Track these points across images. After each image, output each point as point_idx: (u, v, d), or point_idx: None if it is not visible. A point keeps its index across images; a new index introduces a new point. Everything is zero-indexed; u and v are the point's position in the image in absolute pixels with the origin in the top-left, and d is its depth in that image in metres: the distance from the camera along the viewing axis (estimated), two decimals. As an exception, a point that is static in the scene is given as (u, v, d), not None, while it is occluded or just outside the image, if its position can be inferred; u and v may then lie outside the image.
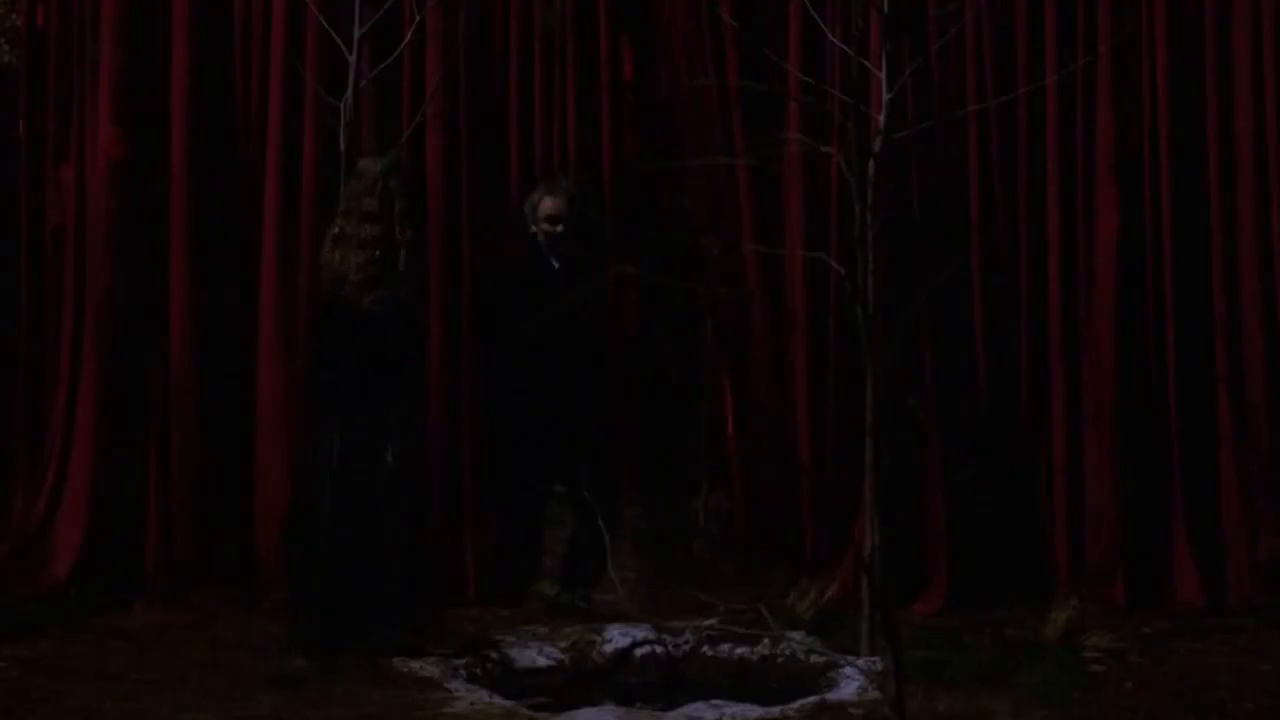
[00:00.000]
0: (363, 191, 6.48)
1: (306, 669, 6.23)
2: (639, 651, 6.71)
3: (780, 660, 6.59)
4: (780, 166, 7.55)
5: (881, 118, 5.82)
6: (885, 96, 5.75)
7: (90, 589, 7.36)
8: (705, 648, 6.72)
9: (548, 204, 7.31)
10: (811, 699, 6.02)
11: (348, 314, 6.41)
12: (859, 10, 5.46)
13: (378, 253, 6.39)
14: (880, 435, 5.30)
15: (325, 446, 6.41)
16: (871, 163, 5.74)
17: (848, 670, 6.22)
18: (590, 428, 7.36)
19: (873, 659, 6.23)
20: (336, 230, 6.51)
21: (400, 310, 6.42)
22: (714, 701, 5.97)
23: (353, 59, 6.63)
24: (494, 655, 6.57)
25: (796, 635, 6.68)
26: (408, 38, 7.08)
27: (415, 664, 6.33)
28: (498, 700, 6.02)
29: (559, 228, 7.27)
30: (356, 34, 6.67)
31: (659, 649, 6.70)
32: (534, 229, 7.38)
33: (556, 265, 7.34)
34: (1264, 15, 7.57)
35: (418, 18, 6.98)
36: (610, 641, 6.74)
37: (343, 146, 6.62)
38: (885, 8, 5.64)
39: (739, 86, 7.50)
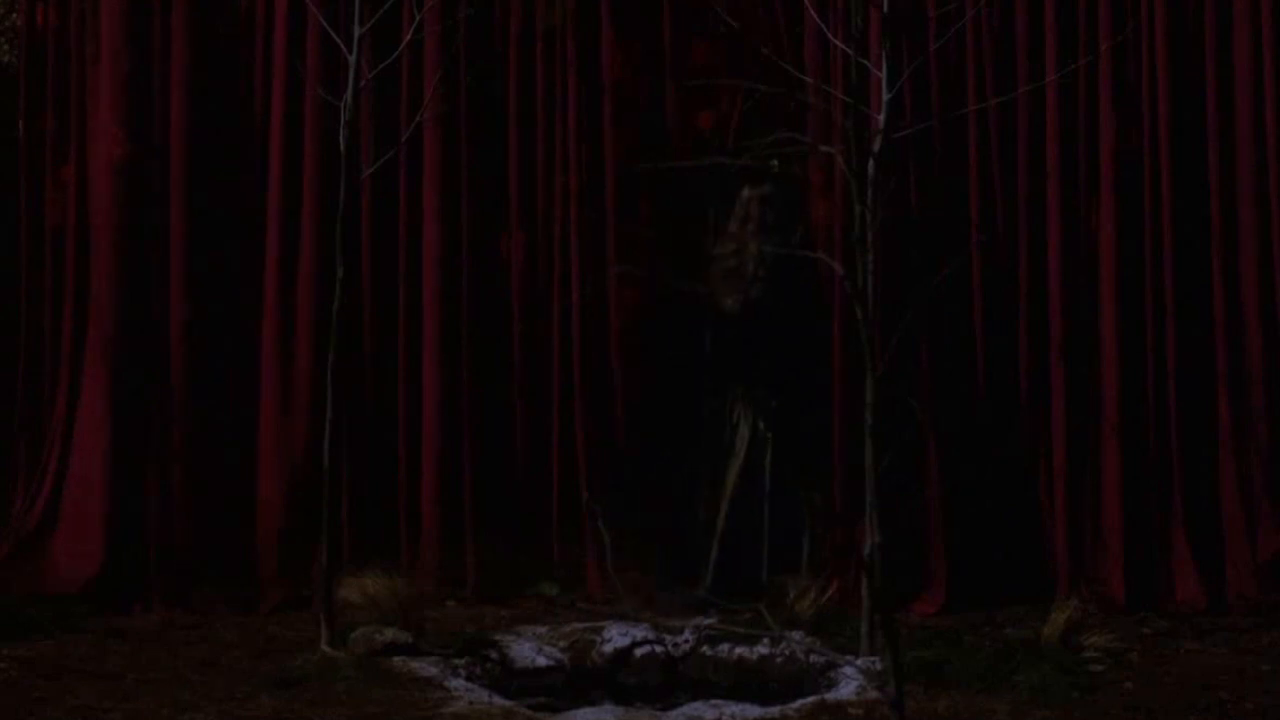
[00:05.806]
0: (735, 212, 7.86)
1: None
2: (639, 651, 6.71)
3: (780, 660, 6.59)
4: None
5: (881, 118, 5.81)
6: (885, 96, 5.74)
7: (90, 589, 7.37)
8: (705, 648, 6.72)
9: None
10: (811, 699, 6.02)
11: (720, 311, 7.81)
12: (859, 10, 5.44)
13: (735, 263, 7.77)
14: (880, 435, 5.29)
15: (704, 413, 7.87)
16: (871, 162, 5.73)
17: (848, 670, 6.23)
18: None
19: (873, 659, 6.23)
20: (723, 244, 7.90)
21: (748, 308, 7.69)
22: (714, 701, 5.98)
23: (353, 59, 6.62)
24: (494, 655, 6.57)
25: (796, 635, 6.68)
26: (408, 38, 7.07)
27: (415, 664, 6.34)
28: (497, 700, 6.02)
29: None
30: (356, 33, 6.66)
31: (659, 649, 6.70)
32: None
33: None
34: (1264, 15, 7.58)
35: (418, 18, 6.97)
36: (610, 641, 6.73)
37: (343, 147, 6.62)
38: (885, 8, 5.63)
39: (740, 88, 7.50)
